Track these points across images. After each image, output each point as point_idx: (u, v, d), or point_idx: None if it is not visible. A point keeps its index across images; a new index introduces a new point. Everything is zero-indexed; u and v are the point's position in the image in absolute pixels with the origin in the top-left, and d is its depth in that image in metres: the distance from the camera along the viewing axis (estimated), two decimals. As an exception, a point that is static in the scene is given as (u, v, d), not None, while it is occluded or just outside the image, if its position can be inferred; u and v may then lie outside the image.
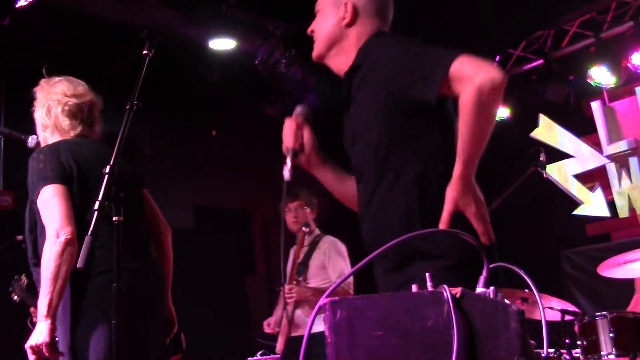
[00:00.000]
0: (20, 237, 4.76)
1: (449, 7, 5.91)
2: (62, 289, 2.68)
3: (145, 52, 2.68)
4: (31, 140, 3.35)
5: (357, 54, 2.39)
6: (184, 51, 6.41)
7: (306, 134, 2.49)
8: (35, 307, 4.29)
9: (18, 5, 5.58)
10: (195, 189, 7.25)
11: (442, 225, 2.10)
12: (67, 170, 2.85)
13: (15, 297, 4.38)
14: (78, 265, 2.35)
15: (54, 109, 3.05)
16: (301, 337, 4.79)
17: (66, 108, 3.05)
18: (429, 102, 2.14)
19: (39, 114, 3.10)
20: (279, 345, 4.87)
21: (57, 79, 3.13)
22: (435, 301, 1.37)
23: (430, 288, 1.48)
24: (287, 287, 4.81)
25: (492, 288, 1.45)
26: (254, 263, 8.04)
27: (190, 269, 5.79)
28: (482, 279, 1.58)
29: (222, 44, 6.52)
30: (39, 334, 2.63)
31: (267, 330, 5.09)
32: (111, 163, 2.48)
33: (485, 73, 2.05)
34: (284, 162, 2.42)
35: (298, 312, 4.91)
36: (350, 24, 2.43)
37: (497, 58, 7.30)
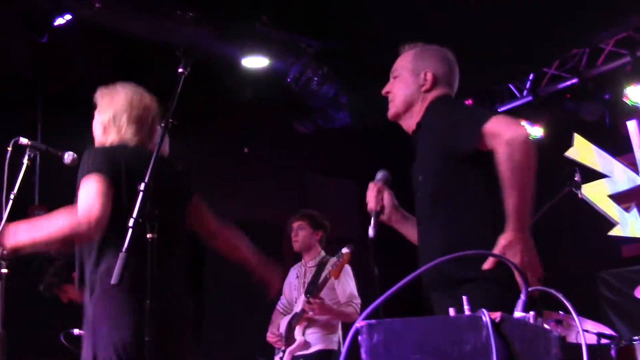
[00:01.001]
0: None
1: (483, 26, 5.88)
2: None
3: (180, 70, 2.70)
4: (67, 157, 3.37)
5: (424, 112, 2.73)
6: (217, 69, 6.46)
7: (386, 197, 2.80)
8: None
9: (56, 23, 5.68)
10: (227, 204, 7.25)
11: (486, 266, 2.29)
12: (115, 168, 2.83)
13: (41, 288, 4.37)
14: (112, 282, 2.36)
15: (118, 117, 3.04)
16: (309, 355, 4.87)
17: (133, 116, 3.04)
18: (467, 152, 2.47)
19: (101, 120, 3.07)
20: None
21: (121, 86, 3.14)
22: (474, 325, 1.35)
23: (468, 312, 1.45)
24: (311, 300, 4.82)
25: (532, 313, 1.43)
26: (284, 279, 8.02)
27: (219, 283, 5.81)
28: (520, 303, 1.55)
29: (255, 61, 6.56)
30: None
31: (271, 339, 5.10)
32: (146, 180, 2.48)
33: (514, 130, 2.36)
34: (369, 223, 2.74)
35: (310, 330, 4.97)
36: (427, 91, 2.74)
37: (532, 76, 7.25)
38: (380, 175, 2.85)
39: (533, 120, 7.14)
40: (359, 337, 1.39)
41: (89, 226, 2.69)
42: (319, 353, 4.91)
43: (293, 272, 5.32)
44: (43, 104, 6.35)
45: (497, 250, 2.27)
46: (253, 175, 7.62)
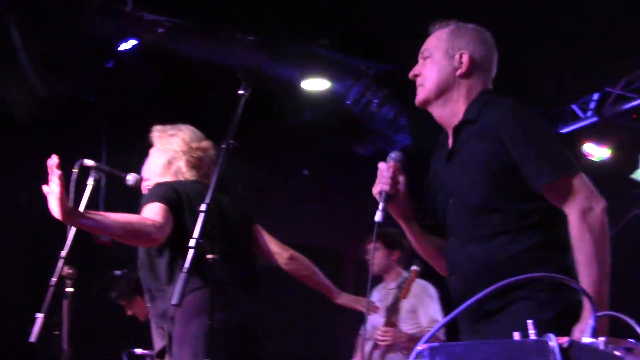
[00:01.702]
0: (118, 272, 4.90)
1: (546, 46, 5.79)
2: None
3: (241, 92, 2.73)
4: (131, 178, 3.44)
5: (469, 108, 2.38)
6: (277, 91, 6.52)
7: (402, 181, 2.45)
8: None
9: (121, 48, 5.82)
10: (287, 227, 7.27)
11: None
12: (175, 197, 2.90)
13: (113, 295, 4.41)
14: (173, 302, 2.37)
15: (177, 161, 3.11)
16: None
17: (191, 160, 3.11)
18: (531, 190, 2.22)
19: (158, 162, 3.16)
20: None
21: (177, 127, 3.19)
22: (540, 351, 1.30)
23: (533, 336, 1.40)
24: (383, 328, 4.68)
25: (602, 339, 1.37)
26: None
27: (281, 307, 5.80)
28: (589, 329, 1.49)
29: (315, 84, 6.59)
30: None
31: None
32: (207, 201, 2.50)
33: (595, 203, 2.17)
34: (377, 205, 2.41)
35: (389, 356, 4.79)
36: (463, 76, 2.41)
37: (596, 97, 7.10)
38: (395, 154, 2.48)
39: (598, 141, 6.99)
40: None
41: (153, 227, 2.75)
42: None
43: (376, 296, 5.10)
44: (107, 127, 6.51)
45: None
46: (313, 198, 7.62)
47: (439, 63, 2.41)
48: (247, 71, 2.83)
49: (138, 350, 4.20)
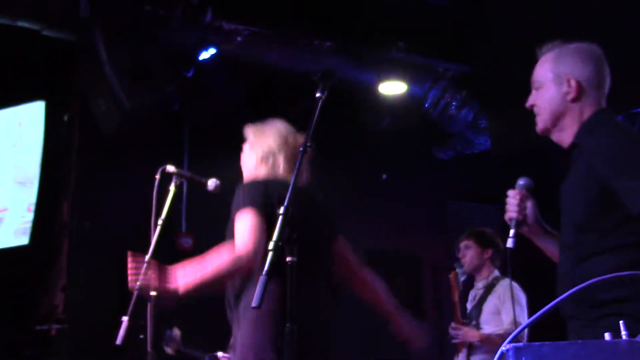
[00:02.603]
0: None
1: (629, 38, 5.59)
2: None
3: (318, 95, 2.72)
4: (211, 184, 3.47)
5: (580, 129, 2.46)
6: (354, 96, 6.52)
7: (529, 206, 2.56)
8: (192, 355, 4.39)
9: (201, 57, 5.94)
10: (365, 232, 7.26)
11: None
12: (268, 201, 2.89)
13: (169, 350, 4.44)
14: (253, 305, 2.37)
15: (275, 154, 3.12)
16: None
17: (289, 154, 3.11)
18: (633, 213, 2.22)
19: (254, 154, 3.16)
20: None
21: (271, 122, 3.21)
22: (634, 351, 1.24)
23: (625, 337, 1.34)
24: (452, 325, 4.64)
25: (700, 339, 1.29)
26: (425, 309, 7.89)
27: (359, 315, 5.78)
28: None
29: (392, 87, 6.56)
30: None
31: None
32: (285, 204, 2.50)
33: None
34: (509, 233, 2.53)
35: (475, 357, 4.68)
36: (574, 100, 2.47)
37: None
38: (523, 181, 2.60)
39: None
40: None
41: (248, 259, 2.76)
42: None
43: (470, 296, 5.00)
44: (189, 136, 6.64)
45: None
46: (392, 202, 7.58)
47: (550, 92, 2.50)
48: (324, 74, 2.79)
49: (220, 354, 4.23)
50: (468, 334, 4.63)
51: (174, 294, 2.87)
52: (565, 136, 2.50)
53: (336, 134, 6.37)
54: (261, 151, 3.12)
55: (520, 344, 1.28)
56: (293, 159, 3.08)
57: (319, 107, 2.71)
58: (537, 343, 1.30)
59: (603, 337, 1.42)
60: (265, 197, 2.90)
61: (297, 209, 2.53)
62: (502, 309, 4.66)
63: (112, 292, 5.45)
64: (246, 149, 3.23)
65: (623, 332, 1.38)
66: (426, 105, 6.95)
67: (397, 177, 7.64)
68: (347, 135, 6.91)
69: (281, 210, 2.48)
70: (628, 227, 2.26)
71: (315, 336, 2.81)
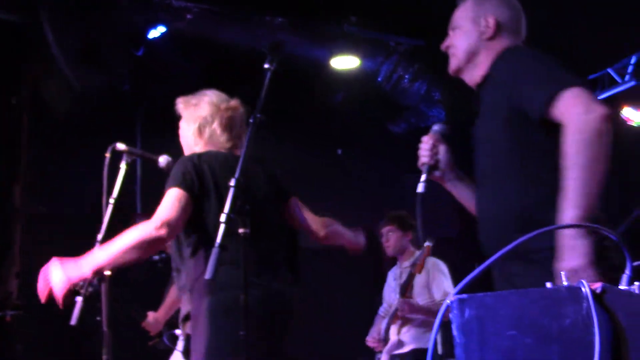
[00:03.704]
0: (156, 257, 4.94)
1: (579, 12, 5.68)
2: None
3: (267, 66, 2.70)
4: (162, 160, 3.42)
5: (490, 65, 2.46)
6: (308, 71, 6.50)
7: (442, 151, 2.57)
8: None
9: (151, 36, 5.86)
10: (321, 207, 7.27)
11: None
12: (195, 179, 2.86)
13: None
14: (206, 277, 2.37)
15: (209, 124, 3.08)
16: (404, 354, 4.80)
17: (224, 121, 3.07)
18: (535, 117, 2.20)
19: (189, 132, 3.11)
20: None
21: (201, 93, 3.16)
22: (573, 297, 1.27)
23: (566, 283, 1.37)
24: (400, 300, 4.75)
25: (637, 283, 1.33)
26: (383, 283, 7.97)
27: (315, 287, 5.82)
28: (625, 278, 1.45)
29: (345, 62, 6.56)
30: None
31: (371, 344, 5.06)
32: (236, 175, 2.49)
33: (594, 115, 2.07)
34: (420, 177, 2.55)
35: (405, 329, 4.91)
36: (490, 38, 2.49)
37: (634, 60, 6.94)
38: (437, 127, 2.61)
39: (637, 105, 6.86)
40: (450, 314, 1.33)
41: (160, 228, 2.72)
42: (413, 352, 4.85)
43: (391, 275, 5.33)
44: (141, 115, 6.56)
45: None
46: (348, 177, 7.60)
47: (466, 31, 2.51)
48: (272, 46, 2.77)
49: (178, 332, 4.23)
50: (414, 307, 4.77)
51: (89, 277, 2.85)
52: (478, 71, 2.49)
53: (290, 109, 6.36)
54: (196, 123, 3.08)
55: (465, 295, 1.30)
56: (229, 126, 3.06)
57: (267, 79, 2.70)
58: (480, 294, 1.32)
59: (535, 284, 1.43)
60: (192, 173, 2.88)
61: (249, 180, 2.52)
62: (432, 283, 4.90)
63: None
64: (182, 124, 3.19)
65: (564, 280, 1.41)
66: (379, 79, 6.97)
67: (352, 151, 7.67)
68: (302, 111, 6.90)
69: (232, 182, 2.48)
70: (542, 149, 2.24)
71: (269, 306, 2.81)
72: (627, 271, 1.48)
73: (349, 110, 7.11)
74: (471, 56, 2.49)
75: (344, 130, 7.43)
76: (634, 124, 6.81)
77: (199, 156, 2.96)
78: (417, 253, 4.90)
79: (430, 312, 4.81)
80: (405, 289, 4.73)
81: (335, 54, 6.49)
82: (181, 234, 2.89)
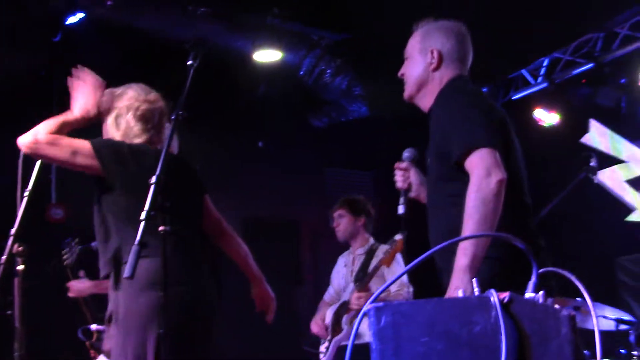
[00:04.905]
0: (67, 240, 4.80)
1: (496, 13, 5.84)
2: None
3: (190, 62, 2.70)
4: None
5: (435, 98, 2.73)
6: (229, 63, 6.46)
7: (412, 175, 2.91)
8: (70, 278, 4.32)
9: (69, 22, 5.72)
10: (243, 200, 7.28)
11: None
12: (109, 151, 2.90)
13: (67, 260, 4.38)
14: (125, 275, 2.36)
15: (124, 115, 3.06)
16: (359, 346, 4.79)
17: (138, 113, 3.04)
18: (453, 160, 2.49)
19: (108, 122, 3.09)
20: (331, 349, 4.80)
21: (126, 86, 3.14)
22: (483, 306, 1.34)
23: (477, 293, 1.44)
24: (356, 294, 4.70)
25: (541, 292, 1.42)
26: (302, 274, 8.04)
27: (237, 279, 5.81)
28: (530, 285, 1.54)
29: (267, 55, 6.55)
30: None
31: (315, 330, 5.00)
32: (157, 172, 2.48)
33: (493, 179, 2.35)
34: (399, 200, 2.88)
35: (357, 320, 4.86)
36: (435, 69, 2.75)
37: (546, 62, 7.20)
38: (406, 154, 2.94)
39: (548, 107, 7.10)
40: (367, 321, 1.39)
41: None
42: (369, 345, 4.82)
43: (341, 261, 5.17)
44: (58, 102, 6.38)
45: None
46: (269, 170, 7.62)
47: (416, 61, 2.79)
48: (195, 42, 2.77)
49: (94, 327, 4.16)
50: (369, 298, 4.75)
51: None
52: (426, 102, 2.77)
53: (212, 101, 6.32)
54: (113, 116, 3.08)
55: (381, 303, 1.36)
56: (144, 118, 3.06)
57: (190, 75, 2.71)
58: (396, 302, 1.38)
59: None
60: (110, 146, 2.92)
61: (169, 177, 2.52)
62: (389, 274, 4.83)
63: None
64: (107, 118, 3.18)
65: (475, 288, 1.49)
66: (301, 73, 7.00)
67: (273, 144, 7.68)
68: (223, 103, 6.86)
69: (153, 179, 2.47)
70: (463, 180, 2.47)
71: (191, 303, 2.82)
72: (533, 278, 1.56)
73: (270, 102, 7.12)
74: (420, 86, 2.77)
75: (266, 123, 7.43)
76: (545, 125, 7.06)
77: (121, 143, 2.96)
78: (372, 242, 4.95)
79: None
80: (367, 280, 4.67)
81: (257, 46, 6.47)
82: (100, 216, 2.89)
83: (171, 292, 2.51)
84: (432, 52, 2.75)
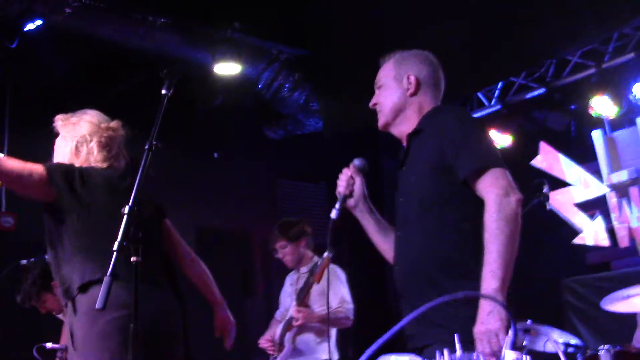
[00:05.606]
0: (24, 262, 4.73)
1: (453, 36, 5.95)
2: None
3: (164, 92, 2.71)
4: None
5: (420, 120, 2.71)
6: (186, 73, 6.42)
7: (357, 183, 2.80)
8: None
9: (26, 28, 5.61)
10: (197, 211, 7.25)
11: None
12: (67, 177, 2.89)
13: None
14: (97, 307, 2.35)
15: (87, 143, 3.05)
16: None
17: (102, 140, 3.06)
18: (459, 177, 2.47)
19: (66, 149, 3.08)
20: None
21: (82, 112, 3.13)
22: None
23: (460, 351, 1.49)
24: (295, 309, 4.78)
25: (526, 357, 1.47)
26: (254, 286, 8.03)
27: (189, 290, 5.78)
28: (509, 342, 1.59)
29: (227, 68, 6.54)
30: None
31: (263, 345, 5.05)
32: (130, 204, 2.48)
33: (513, 198, 2.35)
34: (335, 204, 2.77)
35: (301, 337, 4.91)
36: (413, 94, 2.74)
37: (500, 85, 7.35)
38: (357, 162, 2.84)
39: (501, 128, 7.24)
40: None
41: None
42: None
43: (288, 280, 5.27)
44: (11, 109, 6.26)
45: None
46: (223, 181, 7.59)
47: (391, 89, 2.77)
48: (170, 71, 2.78)
49: (49, 345, 4.09)
50: (310, 315, 4.81)
51: None
52: (405, 127, 2.74)
53: (168, 112, 6.27)
54: (73, 141, 3.07)
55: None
56: (107, 145, 3.08)
57: (164, 104, 2.72)
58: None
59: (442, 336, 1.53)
60: (69, 172, 2.93)
61: (141, 208, 2.52)
62: (330, 291, 4.87)
63: None
64: (58, 141, 3.15)
65: (457, 346, 1.54)
66: (259, 86, 7.01)
67: (228, 155, 7.66)
68: (179, 113, 6.80)
69: (126, 210, 2.46)
70: (459, 199, 2.49)
71: (156, 325, 2.82)
72: (511, 334, 1.62)
73: (227, 114, 7.10)
74: (398, 112, 2.74)
75: (222, 134, 7.41)
76: (497, 147, 7.20)
77: (73, 166, 2.98)
78: (316, 259, 4.94)
79: (325, 320, 4.78)
80: (303, 296, 4.74)
81: (217, 59, 6.46)
82: (57, 234, 2.87)
83: (126, 316, 2.51)
84: (408, 78, 2.74)
